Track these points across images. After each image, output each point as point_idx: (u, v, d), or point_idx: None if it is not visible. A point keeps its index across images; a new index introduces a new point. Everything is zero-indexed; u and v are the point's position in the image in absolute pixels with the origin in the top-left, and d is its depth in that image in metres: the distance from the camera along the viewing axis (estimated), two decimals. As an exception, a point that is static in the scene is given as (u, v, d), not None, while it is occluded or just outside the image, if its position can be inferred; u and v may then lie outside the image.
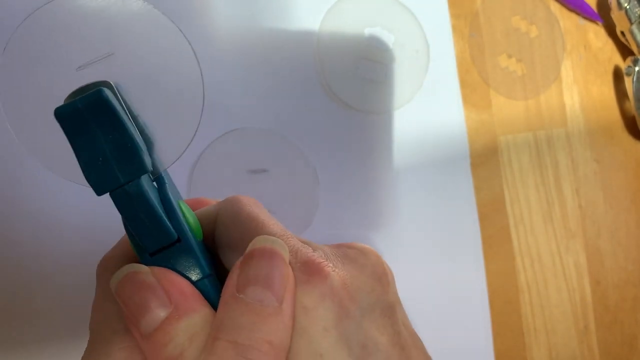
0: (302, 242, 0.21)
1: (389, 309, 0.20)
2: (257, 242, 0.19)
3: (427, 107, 0.40)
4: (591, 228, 0.44)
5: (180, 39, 0.21)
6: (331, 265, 0.20)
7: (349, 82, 0.37)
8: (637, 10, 0.43)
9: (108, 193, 0.18)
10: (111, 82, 0.19)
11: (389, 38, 0.39)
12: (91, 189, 0.18)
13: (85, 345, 0.20)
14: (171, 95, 0.21)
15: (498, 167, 0.42)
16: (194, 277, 0.19)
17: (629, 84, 0.44)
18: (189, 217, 0.20)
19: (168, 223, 0.19)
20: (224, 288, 0.19)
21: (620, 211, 0.45)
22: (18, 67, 0.19)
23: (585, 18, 0.45)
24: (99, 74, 0.19)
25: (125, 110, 0.19)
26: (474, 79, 0.41)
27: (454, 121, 0.40)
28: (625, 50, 0.46)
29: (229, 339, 0.17)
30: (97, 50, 0.19)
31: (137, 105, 0.20)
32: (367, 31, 0.38)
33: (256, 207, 0.22)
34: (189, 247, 0.19)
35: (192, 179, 0.33)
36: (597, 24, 0.46)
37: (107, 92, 0.18)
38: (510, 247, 0.41)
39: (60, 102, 0.19)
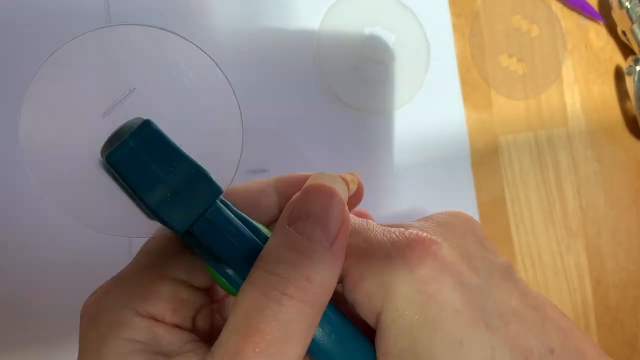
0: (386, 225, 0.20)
1: (506, 272, 0.19)
2: (316, 178, 0.18)
3: (428, 107, 0.40)
4: (592, 228, 0.44)
5: (204, 60, 0.19)
6: (434, 237, 0.18)
7: (349, 82, 0.37)
8: (638, 9, 0.43)
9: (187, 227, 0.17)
10: (144, 118, 0.17)
11: (389, 38, 0.39)
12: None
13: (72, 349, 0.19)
14: (206, 119, 0.19)
15: (499, 167, 0.42)
16: None
17: (630, 83, 0.44)
18: (265, 230, 0.19)
19: (256, 238, 0.18)
20: (279, 220, 0.18)
21: (621, 211, 0.45)
22: (39, 124, 0.17)
23: (587, 17, 0.45)
24: (127, 114, 0.17)
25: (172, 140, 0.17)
26: (475, 78, 0.41)
27: (454, 121, 0.40)
28: (626, 50, 0.46)
29: (267, 269, 0.17)
30: (118, 88, 0.18)
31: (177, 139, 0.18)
32: (367, 31, 0.38)
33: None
34: None
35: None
36: (598, 23, 0.46)
37: (153, 121, 0.17)
38: (510, 246, 0.41)
39: (91, 154, 0.17)
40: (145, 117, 0.17)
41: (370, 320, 0.18)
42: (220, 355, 0.16)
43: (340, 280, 0.18)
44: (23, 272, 0.30)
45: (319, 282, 0.17)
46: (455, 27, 0.41)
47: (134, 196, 0.17)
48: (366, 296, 0.18)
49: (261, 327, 0.16)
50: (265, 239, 0.18)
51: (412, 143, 0.39)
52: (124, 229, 0.19)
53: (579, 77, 0.45)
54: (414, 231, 0.18)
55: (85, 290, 0.21)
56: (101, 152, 0.17)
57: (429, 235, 0.18)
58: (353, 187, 0.24)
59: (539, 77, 0.43)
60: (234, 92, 0.19)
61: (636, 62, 0.43)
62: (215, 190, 0.17)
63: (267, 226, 0.20)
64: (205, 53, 0.19)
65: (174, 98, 0.19)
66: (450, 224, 0.20)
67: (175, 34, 0.19)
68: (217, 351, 0.16)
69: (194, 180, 0.17)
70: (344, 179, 0.20)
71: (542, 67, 0.43)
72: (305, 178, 0.21)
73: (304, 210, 0.18)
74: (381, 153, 0.38)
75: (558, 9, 0.44)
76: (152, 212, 0.17)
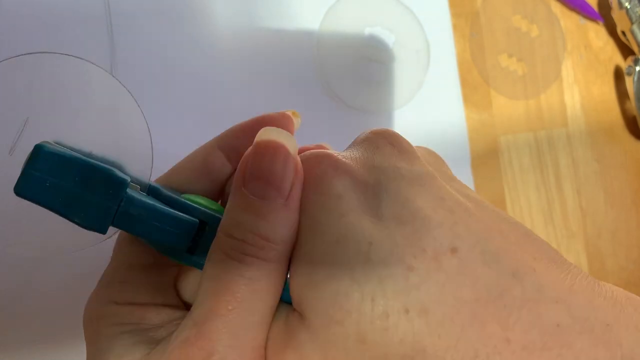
0: None
1: (420, 178, 0.18)
2: (262, 134, 0.18)
3: (428, 107, 0.40)
4: (592, 228, 0.44)
5: (91, 68, 0.20)
6: (329, 152, 0.19)
7: (349, 82, 0.37)
8: (637, 9, 0.43)
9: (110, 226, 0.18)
10: (47, 141, 0.18)
11: (389, 38, 0.39)
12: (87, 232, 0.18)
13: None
14: (110, 122, 0.20)
15: (498, 167, 0.42)
16: None
17: (629, 83, 0.44)
18: (202, 200, 0.20)
19: (180, 213, 0.19)
20: (233, 183, 0.18)
21: (621, 211, 0.45)
22: None
23: (586, 17, 0.45)
24: (32, 144, 0.18)
25: (74, 152, 0.18)
26: (475, 78, 0.41)
27: (454, 121, 0.40)
28: (626, 50, 0.46)
29: (228, 232, 0.17)
30: (11, 124, 0.18)
31: (87, 146, 0.19)
32: (367, 31, 0.38)
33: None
34: (217, 221, 0.19)
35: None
36: (597, 23, 0.46)
37: (44, 143, 0.17)
38: (510, 247, 0.41)
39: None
40: (51, 140, 0.18)
41: None
42: (197, 315, 0.17)
43: None
44: (21, 272, 0.30)
45: (278, 238, 0.17)
46: (455, 27, 0.41)
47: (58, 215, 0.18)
48: None
49: (230, 286, 0.17)
50: (190, 208, 0.19)
51: (412, 143, 0.39)
52: (61, 245, 0.20)
53: (578, 78, 0.45)
54: (311, 151, 0.19)
55: (85, 291, 0.21)
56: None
57: (321, 151, 0.19)
58: (298, 122, 0.25)
59: (539, 77, 0.43)
60: (124, 87, 0.19)
61: (636, 62, 0.43)
62: (121, 183, 0.18)
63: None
64: (85, 59, 0.19)
65: (70, 114, 0.20)
66: (364, 139, 0.20)
67: (45, 52, 0.19)
68: (194, 312, 0.17)
69: (98, 180, 0.18)
70: (291, 116, 0.20)
71: (542, 67, 0.43)
72: (249, 125, 0.22)
73: (255, 170, 0.18)
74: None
75: (558, 9, 0.44)
76: (74, 223, 0.18)
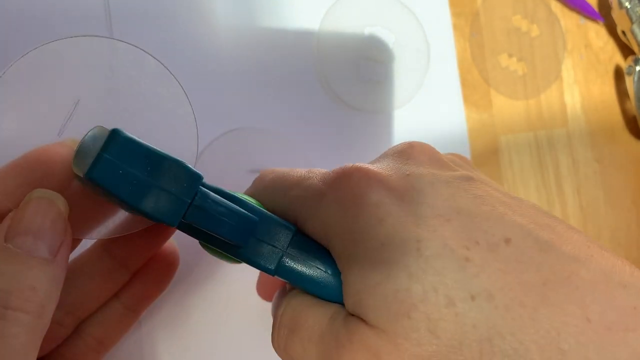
0: None
1: (458, 180, 0.19)
2: (34, 193, 0.19)
3: (428, 107, 0.40)
4: (592, 228, 0.44)
5: (138, 55, 0.20)
6: (362, 164, 0.19)
7: (349, 82, 0.37)
8: (638, 9, 0.43)
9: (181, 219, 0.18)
10: (106, 128, 0.18)
11: (389, 37, 0.39)
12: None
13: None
14: (159, 115, 0.20)
15: (499, 167, 0.42)
16: (288, 237, 0.20)
17: (630, 83, 0.44)
18: (248, 198, 0.21)
19: (245, 210, 0.19)
20: None
21: (621, 211, 0.45)
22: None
23: (586, 17, 0.45)
24: (82, 125, 0.18)
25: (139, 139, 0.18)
26: (475, 78, 0.41)
27: (454, 121, 0.40)
28: (626, 50, 0.46)
29: None
30: (63, 103, 0.18)
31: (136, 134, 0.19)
32: (367, 31, 0.38)
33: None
34: (268, 218, 0.20)
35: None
36: (598, 23, 0.46)
37: (120, 129, 0.17)
38: (510, 247, 0.41)
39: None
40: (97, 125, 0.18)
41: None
42: None
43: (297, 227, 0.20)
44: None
45: (43, 291, 0.17)
46: (455, 27, 0.41)
47: (122, 203, 0.18)
48: (315, 235, 0.20)
49: None
50: (248, 206, 0.20)
51: (412, 143, 0.39)
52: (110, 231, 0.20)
53: (578, 77, 0.45)
54: (347, 165, 0.20)
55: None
56: (73, 168, 0.18)
57: (355, 164, 0.19)
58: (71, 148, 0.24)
59: (539, 77, 0.43)
60: (175, 77, 0.20)
61: (636, 62, 0.43)
62: (196, 177, 0.18)
63: None
64: (132, 44, 0.19)
65: (118, 101, 0.20)
66: (396, 151, 0.21)
67: (94, 35, 0.19)
68: None
69: (174, 173, 0.18)
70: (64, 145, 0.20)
71: (542, 67, 0.43)
72: (19, 164, 0.21)
73: (23, 224, 0.18)
74: (381, 153, 0.38)
75: (558, 9, 0.44)
76: (145, 215, 0.18)
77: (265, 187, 0.22)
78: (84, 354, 0.25)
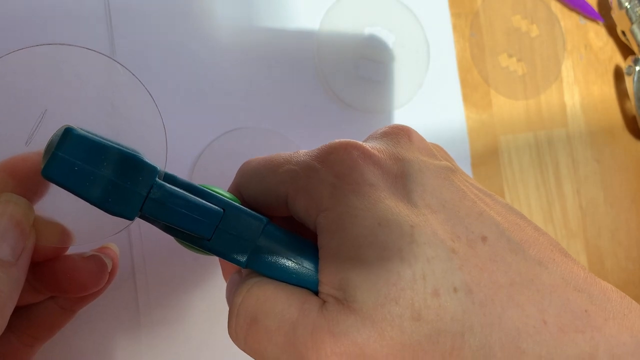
0: None
1: (442, 170, 0.19)
2: (1, 197, 0.19)
3: (428, 107, 0.40)
4: (592, 228, 0.44)
5: (101, 61, 0.20)
6: (354, 140, 0.20)
7: (349, 82, 0.37)
8: (637, 9, 0.43)
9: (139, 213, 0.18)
10: (68, 125, 0.18)
11: (389, 38, 0.39)
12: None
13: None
14: (127, 123, 0.20)
15: (498, 167, 0.42)
16: (259, 228, 0.19)
17: (629, 83, 0.44)
18: (219, 190, 0.20)
19: (206, 202, 0.19)
20: None
21: (620, 211, 0.45)
22: None
23: (586, 17, 0.45)
24: (50, 134, 0.18)
25: (100, 137, 0.18)
26: (475, 78, 0.41)
27: (454, 121, 0.40)
28: (625, 50, 0.46)
29: None
30: (28, 114, 0.18)
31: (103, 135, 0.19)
32: (367, 31, 0.38)
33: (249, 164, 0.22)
34: (237, 210, 0.19)
35: (192, 179, 0.33)
36: (597, 23, 0.46)
37: (72, 127, 0.17)
38: (510, 247, 0.41)
39: None
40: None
41: (314, 230, 0.19)
42: None
43: (287, 204, 0.20)
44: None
45: (6, 293, 0.18)
46: (455, 27, 0.41)
47: (82, 199, 0.18)
48: (303, 210, 0.19)
49: None
50: (215, 198, 0.19)
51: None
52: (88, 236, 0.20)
53: (578, 77, 0.45)
54: (335, 140, 0.20)
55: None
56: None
57: (348, 140, 0.20)
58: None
59: (539, 77, 0.43)
60: (139, 80, 0.20)
61: (636, 62, 0.43)
62: (151, 170, 0.18)
63: None
64: (101, 53, 0.19)
65: (86, 106, 0.20)
66: (384, 133, 0.21)
67: (62, 44, 0.19)
68: None
69: (129, 167, 0.18)
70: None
71: (542, 67, 0.43)
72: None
73: None
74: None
75: (558, 9, 0.44)
76: (100, 208, 0.18)
77: (254, 169, 0.22)
78: (17, 349, 0.24)
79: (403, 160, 0.19)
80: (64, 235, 0.21)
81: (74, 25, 0.32)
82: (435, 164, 0.20)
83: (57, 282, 0.23)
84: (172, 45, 0.33)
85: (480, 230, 0.18)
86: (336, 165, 0.19)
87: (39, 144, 0.18)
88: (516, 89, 0.42)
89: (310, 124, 0.37)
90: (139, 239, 0.31)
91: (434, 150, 0.21)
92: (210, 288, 0.33)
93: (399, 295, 0.16)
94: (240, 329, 0.19)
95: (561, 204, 0.43)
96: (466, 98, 0.41)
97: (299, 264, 0.19)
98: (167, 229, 0.20)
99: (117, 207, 0.18)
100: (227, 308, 0.33)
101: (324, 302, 0.18)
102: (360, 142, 0.20)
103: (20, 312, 0.24)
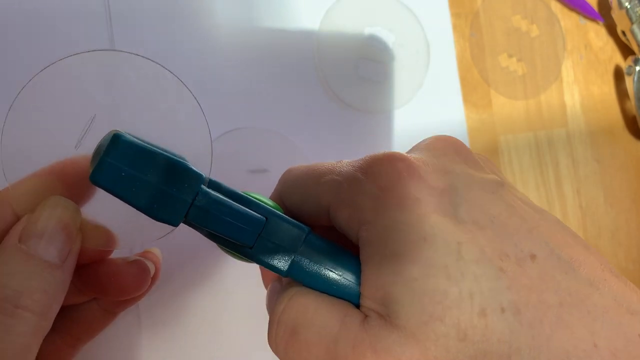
0: None
1: (491, 185, 0.19)
2: (50, 199, 0.19)
3: (428, 107, 0.40)
4: (592, 228, 0.44)
5: (153, 68, 0.20)
6: (401, 153, 0.19)
7: (349, 82, 0.37)
8: (637, 9, 0.43)
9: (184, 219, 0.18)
10: (115, 130, 0.18)
11: (389, 38, 0.39)
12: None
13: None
14: (174, 128, 0.20)
15: (498, 167, 0.42)
16: (301, 237, 0.19)
17: (629, 83, 0.44)
18: (262, 198, 0.20)
19: (250, 210, 0.19)
20: (6, 237, 0.19)
21: (620, 211, 0.45)
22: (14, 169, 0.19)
23: (586, 17, 0.45)
24: (99, 139, 0.18)
25: (148, 143, 0.18)
26: (475, 78, 0.41)
27: (454, 121, 0.40)
28: (626, 50, 0.46)
29: None
30: (78, 119, 0.19)
31: (151, 141, 0.19)
32: (367, 31, 0.38)
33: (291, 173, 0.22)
34: (279, 218, 0.19)
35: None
36: (597, 23, 0.46)
37: (121, 132, 0.17)
38: (510, 247, 0.41)
39: None
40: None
41: (356, 242, 0.19)
42: None
43: (329, 215, 0.20)
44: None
45: (52, 295, 0.18)
46: (455, 27, 0.41)
47: (128, 204, 0.18)
48: (345, 222, 0.19)
49: None
50: (258, 206, 0.19)
51: (412, 143, 0.39)
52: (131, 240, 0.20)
53: (578, 77, 0.45)
54: (379, 152, 0.19)
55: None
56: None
57: (393, 152, 0.19)
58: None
59: (539, 77, 0.43)
60: (187, 88, 0.20)
61: (636, 62, 0.43)
62: (197, 177, 0.18)
63: None
64: (149, 59, 0.20)
65: (134, 112, 0.20)
66: (430, 145, 0.21)
67: (113, 50, 0.19)
68: None
69: (175, 174, 0.18)
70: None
71: (542, 67, 0.43)
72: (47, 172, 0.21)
73: (38, 228, 0.18)
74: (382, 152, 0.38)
75: (558, 9, 0.44)
76: (146, 214, 0.18)
77: (296, 178, 0.22)
78: (60, 349, 0.25)
79: (449, 173, 0.19)
80: (109, 238, 0.21)
81: (74, 25, 0.32)
82: (483, 178, 0.19)
83: (101, 285, 0.23)
84: (172, 45, 0.33)
85: (529, 248, 0.17)
86: (380, 178, 0.18)
87: (88, 148, 0.19)
88: (516, 89, 0.42)
89: (310, 124, 0.36)
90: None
91: (481, 163, 0.20)
92: (210, 288, 0.33)
93: (444, 313, 0.16)
94: (281, 339, 0.19)
95: (561, 204, 0.43)
96: (466, 98, 0.41)
97: (340, 275, 0.19)
98: (210, 236, 0.20)
99: (162, 213, 0.18)
100: (227, 308, 0.33)
101: (366, 316, 0.17)
102: (405, 154, 0.19)
103: (63, 312, 0.24)
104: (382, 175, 0.18)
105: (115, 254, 0.24)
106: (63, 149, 0.19)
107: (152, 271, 0.25)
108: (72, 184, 0.20)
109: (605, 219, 0.45)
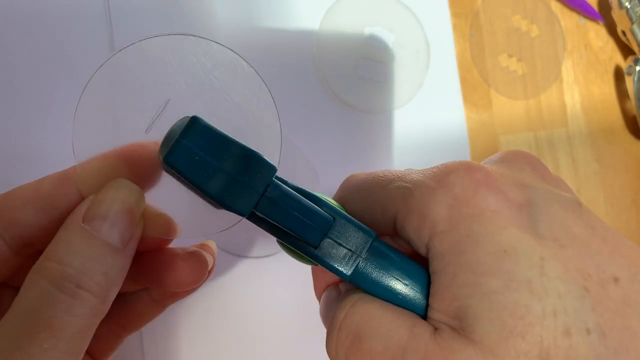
0: None
1: (570, 203, 0.18)
2: (115, 182, 0.19)
3: (428, 107, 0.40)
4: (592, 228, 0.44)
5: (227, 55, 0.20)
6: (476, 163, 0.18)
7: (349, 82, 0.37)
8: (638, 9, 0.43)
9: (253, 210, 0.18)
10: (195, 114, 0.18)
11: (389, 38, 0.39)
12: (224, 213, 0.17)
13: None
14: (245, 121, 0.20)
15: (498, 167, 0.42)
16: (367, 242, 0.19)
17: (629, 83, 0.44)
18: (328, 199, 0.20)
19: (319, 208, 0.19)
20: (69, 216, 0.18)
21: (621, 211, 0.45)
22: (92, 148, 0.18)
23: (586, 17, 0.45)
24: (170, 124, 0.18)
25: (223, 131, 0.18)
26: (475, 78, 0.41)
27: (454, 121, 0.40)
28: (626, 50, 0.46)
29: (62, 260, 0.17)
30: (153, 102, 0.19)
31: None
32: (367, 31, 0.38)
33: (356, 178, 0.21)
34: (346, 220, 0.19)
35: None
36: (598, 23, 0.46)
37: (199, 117, 0.17)
38: (510, 247, 0.41)
39: None
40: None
41: (424, 253, 0.18)
42: (1, 349, 0.16)
43: (395, 223, 0.19)
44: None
45: (112, 278, 0.18)
46: (455, 27, 0.41)
47: (197, 190, 0.18)
48: (414, 231, 0.18)
49: (51, 321, 0.16)
50: (326, 205, 0.19)
51: (412, 143, 0.39)
52: (195, 230, 0.20)
53: (578, 77, 0.45)
54: (454, 161, 0.19)
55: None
56: (158, 156, 0.18)
57: (469, 161, 0.18)
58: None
59: (539, 77, 0.43)
60: (262, 80, 0.20)
61: (636, 62, 0.43)
62: (270, 169, 0.18)
63: None
64: (227, 47, 0.19)
65: (208, 100, 0.20)
66: (505, 157, 0.20)
67: (192, 35, 0.19)
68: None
69: (248, 163, 0.18)
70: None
71: (542, 67, 0.43)
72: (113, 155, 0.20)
73: (102, 210, 0.18)
74: (381, 153, 0.38)
75: (558, 9, 0.44)
76: (216, 201, 0.18)
77: (360, 183, 0.21)
78: (107, 337, 0.24)
79: (527, 187, 0.18)
80: (170, 227, 0.20)
81: (74, 25, 0.32)
82: (563, 196, 0.18)
83: (157, 274, 0.23)
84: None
85: (612, 271, 0.16)
86: (456, 187, 0.18)
87: (159, 133, 0.18)
88: (516, 89, 0.42)
89: (310, 124, 0.37)
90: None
91: (559, 181, 0.20)
92: (210, 289, 0.33)
93: (526, 330, 0.15)
94: (342, 346, 0.18)
95: (561, 204, 0.43)
96: (466, 98, 0.41)
97: (407, 285, 0.18)
98: (274, 230, 0.19)
99: (233, 201, 0.17)
100: (226, 308, 0.33)
101: (436, 328, 0.17)
102: (482, 165, 0.19)
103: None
104: (457, 184, 0.18)
105: (174, 244, 0.24)
106: (134, 132, 0.19)
107: (210, 264, 0.24)
108: (139, 169, 0.19)
109: (605, 219, 0.44)
